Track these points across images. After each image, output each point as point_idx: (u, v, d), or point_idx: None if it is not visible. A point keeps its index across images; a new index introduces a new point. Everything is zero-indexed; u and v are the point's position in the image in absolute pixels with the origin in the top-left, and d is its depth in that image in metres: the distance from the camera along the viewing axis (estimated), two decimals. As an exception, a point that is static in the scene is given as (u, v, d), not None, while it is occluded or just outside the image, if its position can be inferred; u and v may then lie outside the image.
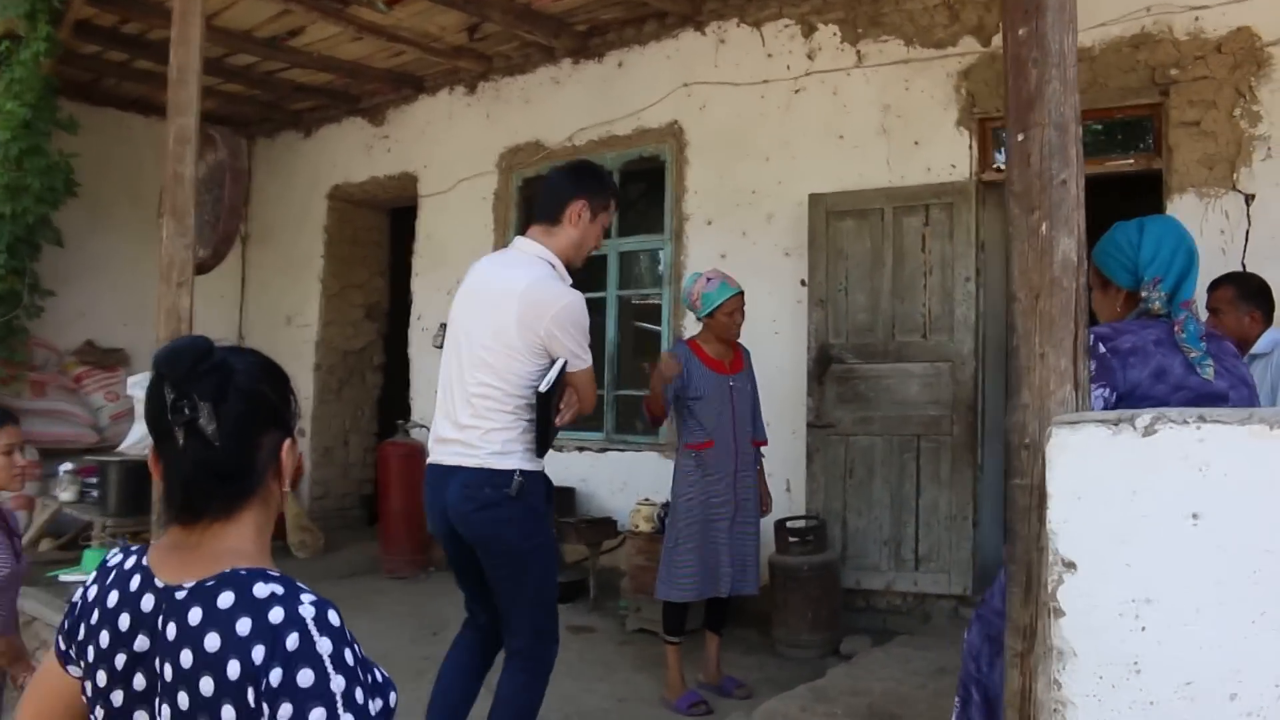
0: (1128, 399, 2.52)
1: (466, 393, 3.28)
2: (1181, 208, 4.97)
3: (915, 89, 5.76)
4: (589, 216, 3.38)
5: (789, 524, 5.51)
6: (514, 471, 3.20)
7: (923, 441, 5.58)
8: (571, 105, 7.03)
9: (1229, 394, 2.59)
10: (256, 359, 1.53)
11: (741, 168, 6.33)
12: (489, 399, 3.22)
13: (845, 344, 5.76)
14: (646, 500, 5.97)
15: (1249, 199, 4.85)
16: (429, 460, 3.42)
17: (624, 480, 6.71)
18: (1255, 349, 4.14)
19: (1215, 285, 4.26)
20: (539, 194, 3.52)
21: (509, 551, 3.24)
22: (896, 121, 5.81)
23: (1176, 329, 2.61)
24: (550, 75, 7.32)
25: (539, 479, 3.33)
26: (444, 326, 7.52)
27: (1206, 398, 2.57)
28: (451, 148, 7.84)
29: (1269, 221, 4.80)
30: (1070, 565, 2.18)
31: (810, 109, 6.12)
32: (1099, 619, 2.15)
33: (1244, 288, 4.18)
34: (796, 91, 6.18)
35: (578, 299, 3.25)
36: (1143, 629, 2.10)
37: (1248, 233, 4.84)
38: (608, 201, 3.44)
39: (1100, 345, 2.63)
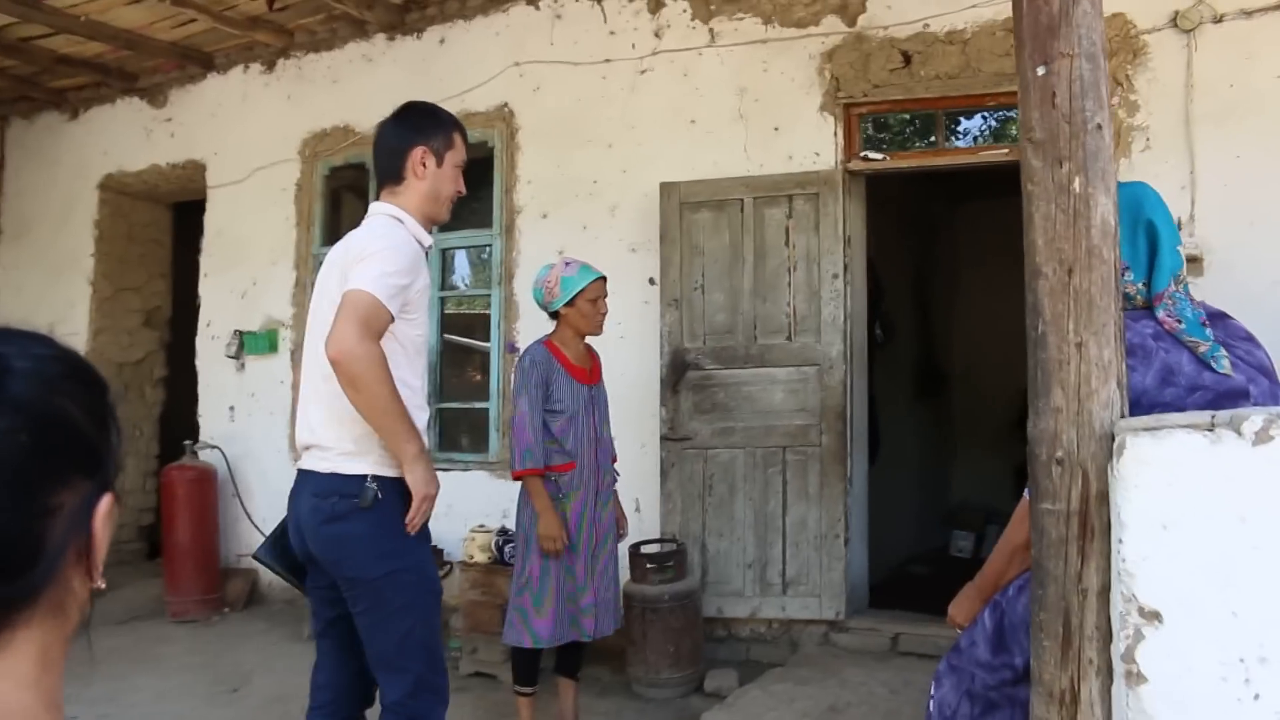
0: (1134, 410, 2.03)
1: (316, 386, 2.69)
2: (1061, 200, 4.68)
3: (774, 71, 5.31)
4: (434, 163, 2.82)
5: (644, 549, 4.92)
6: (365, 476, 2.60)
7: (789, 453, 5.11)
8: (386, 86, 6.22)
9: (1249, 389, 2.15)
10: (52, 352, 0.84)
11: (581, 155, 5.73)
12: (334, 384, 2.58)
13: (702, 348, 5.24)
14: (481, 527, 5.26)
15: (1130, 191, 4.60)
16: (298, 465, 2.84)
17: (448, 503, 5.93)
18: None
19: None
20: (374, 157, 2.88)
21: (360, 579, 2.62)
22: (754, 106, 5.34)
23: (1168, 321, 2.14)
24: (362, 52, 6.50)
25: (399, 487, 2.66)
26: (241, 334, 6.75)
27: (1228, 396, 2.12)
28: (246, 133, 6.87)
29: (1151, 215, 4.56)
30: (1154, 616, 1.66)
31: (658, 92, 5.58)
32: (1195, 686, 1.64)
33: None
34: (643, 72, 5.63)
35: (407, 239, 2.69)
36: (1255, 697, 1.61)
37: (1130, 227, 4.59)
38: (450, 138, 2.87)
39: None
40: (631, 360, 5.40)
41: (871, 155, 5.14)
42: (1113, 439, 1.84)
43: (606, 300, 4.20)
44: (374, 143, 2.89)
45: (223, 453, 6.56)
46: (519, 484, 4.15)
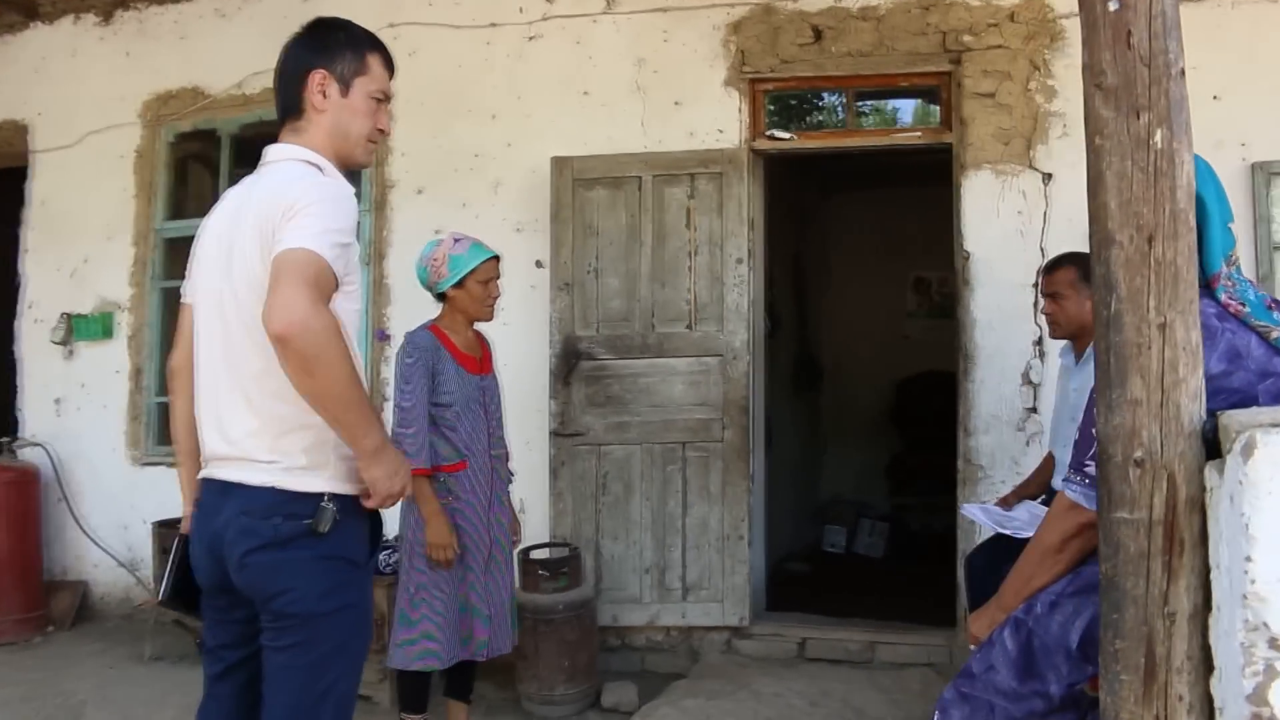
0: None
1: (242, 385, 2.16)
2: (977, 185, 4.53)
3: (676, 42, 4.98)
4: (338, 90, 2.27)
5: (534, 555, 4.53)
6: (320, 495, 2.12)
7: (689, 450, 4.79)
8: (242, 45, 5.60)
9: None
10: None
11: (462, 126, 5.27)
12: (273, 382, 2.09)
13: (596, 336, 4.86)
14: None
15: (1047, 178, 4.47)
16: (201, 474, 2.28)
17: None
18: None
19: (1054, 266, 3.78)
20: (275, 87, 2.35)
21: (299, 615, 2.12)
22: (653, 78, 4.99)
23: (1231, 304, 1.90)
24: (214, 7, 5.84)
25: (360, 511, 2.21)
26: (70, 318, 5.99)
27: None
28: (77, 92, 6.09)
29: (1066, 203, 4.44)
30: (1292, 649, 1.37)
31: (548, 60, 5.17)
32: (1341, 732, 1.37)
33: (1086, 269, 3.71)
34: (531, 39, 5.21)
35: (345, 190, 2.18)
36: None
37: (1045, 214, 4.46)
38: (363, 60, 2.31)
39: None
40: (517, 349, 4.98)
41: (779, 134, 4.87)
42: (1205, 436, 1.57)
43: (499, 282, 3.79)
44: (275, 71, 2.37)
45: (48, 451, 5.81)
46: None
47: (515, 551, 4.12)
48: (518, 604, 4.30)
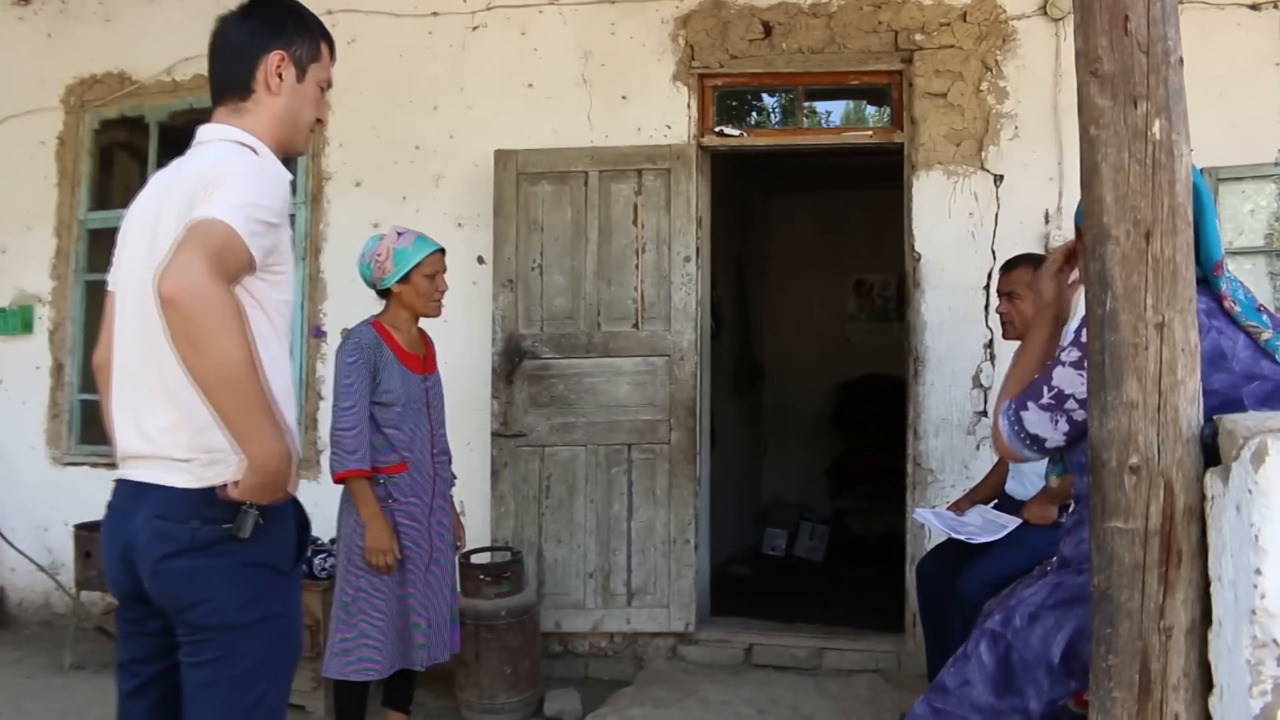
0: None
1: (162, 376, 1.97)
2: (928, 186, 4.48)
3: (623, 35, 4.86)
4: (294, 75, 2.14)
5: (474, 559, 4.38)
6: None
7: (635, 452, 4.68)
8: (171, 29, 5.36)
9: None
10: None
11: (402, 117, 5.10)
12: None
13: (540, 335, 4.73)
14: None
15: (998, 180, 4.44)
16: (116, 476, 2.10)
17: (238, 507, 5.19)
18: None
19: (1011, 265, 3.74)
20: (211, 62, 2.18)
21: (218, 626, 1.96)
22: (600, 71, 4.87)
23: (1226, 301, 1.84)
24: (142, -12, 5.60)
25: (287, 514, 2.06)
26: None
27: None
28: (-9, 74, 5.81)
29: (1017, 205, 4.43)
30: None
31: (492, 50, 5.02)
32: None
33: (1044, 271, 3.68)
34: (475, 28, 5.05)
35: (277, 168, 2.04)
36: None
37: (997, 216, 4.43)
38: (318, 47, 2.20)
39: None
40: (458, 347, 4.83)
41: (728, 131, 4.78)
42: (1204, 441, 1.50)
43: (445, 276, 3.65)
44: (211, 45, 2.19)
45: (-42, 450, 5.53)
46: (332, 487, 3.56)
47: (457, 556, 3.99)
48: (458, 610, 4.17)
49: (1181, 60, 1.57)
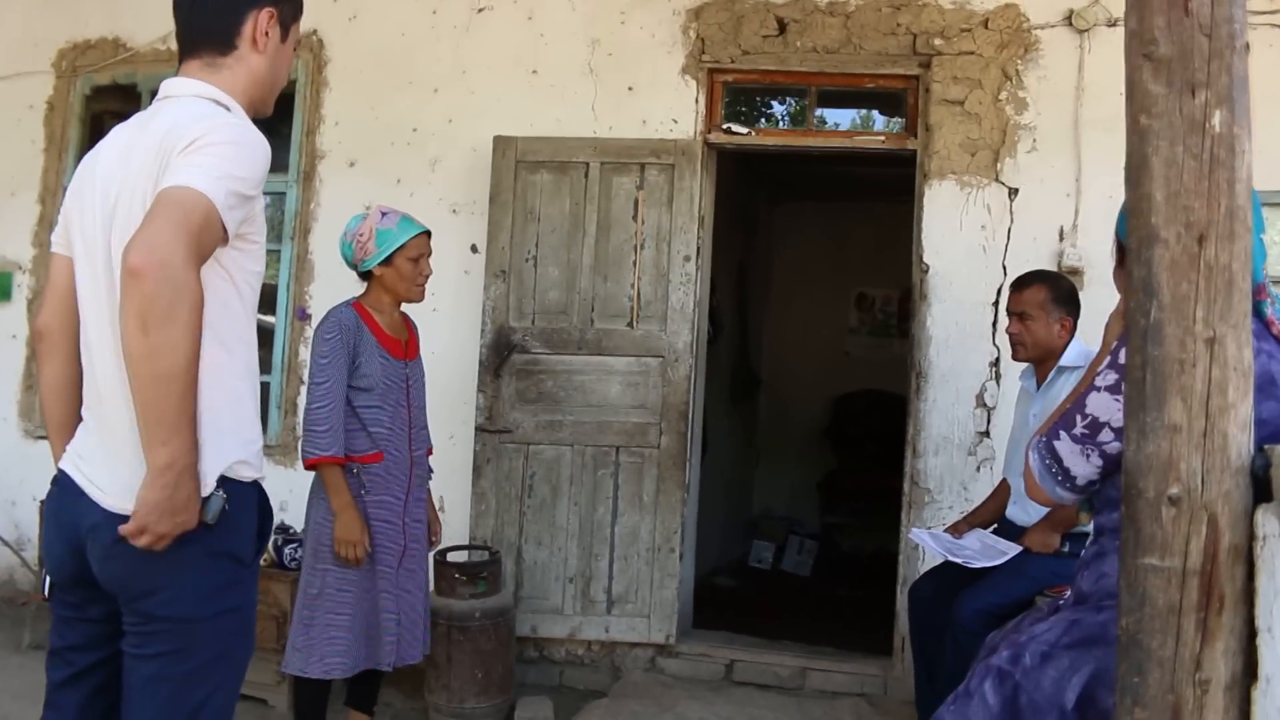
0: None
1: (118, 366, 1.80)
2: (941, 195, 4.33)
3: (633, 25, 4.71)
4: (279, 34, 2.01)
5: (451, 557, 4.21)
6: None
7: (623, 454, 4.52)
8: (168, -5, 5.20)
9: None
10: None
11: (401, 99, 4.93)
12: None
13: (531, 328, 4.56)
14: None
15: (1013, 193, 4.28)
16: (61, 463, 1.94)
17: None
18: (1064, 361, 3.50)
19: (1024, 284, 3.58)
20: (188, 11, 2.01)
21: (172, 620, 1.81)
22: (607, 61, 4.71)
23: (1275, 322, 1.68)
24: (141, -46, 5.43)
25: (251, 500, 1.91)
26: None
27: None
28: (-14, 34, 5.64)
29: (1032, 220, 4.27)
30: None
31: (497, 34, 4.86)
32: None
33: (1057, 290, 3.53)
34: (480, 11, 4.89)
35: (258, 136, 1.87)
36: None
37: (1010, 230, 4.27)
38: (299, 4, 2.11)
39: None
40: (445, 337, 4.67)
41: (736, 128, 4.62)
42: (1255, 473, 1.33)
43: (430, 260, 3.49)
44: None
45: (-72, 421, 5.35)
46: (309, 475, 3.40)
47: (433, 554, 3.83)
48: (431, 609, 4.01)
49: (1248, 47, 1.41)
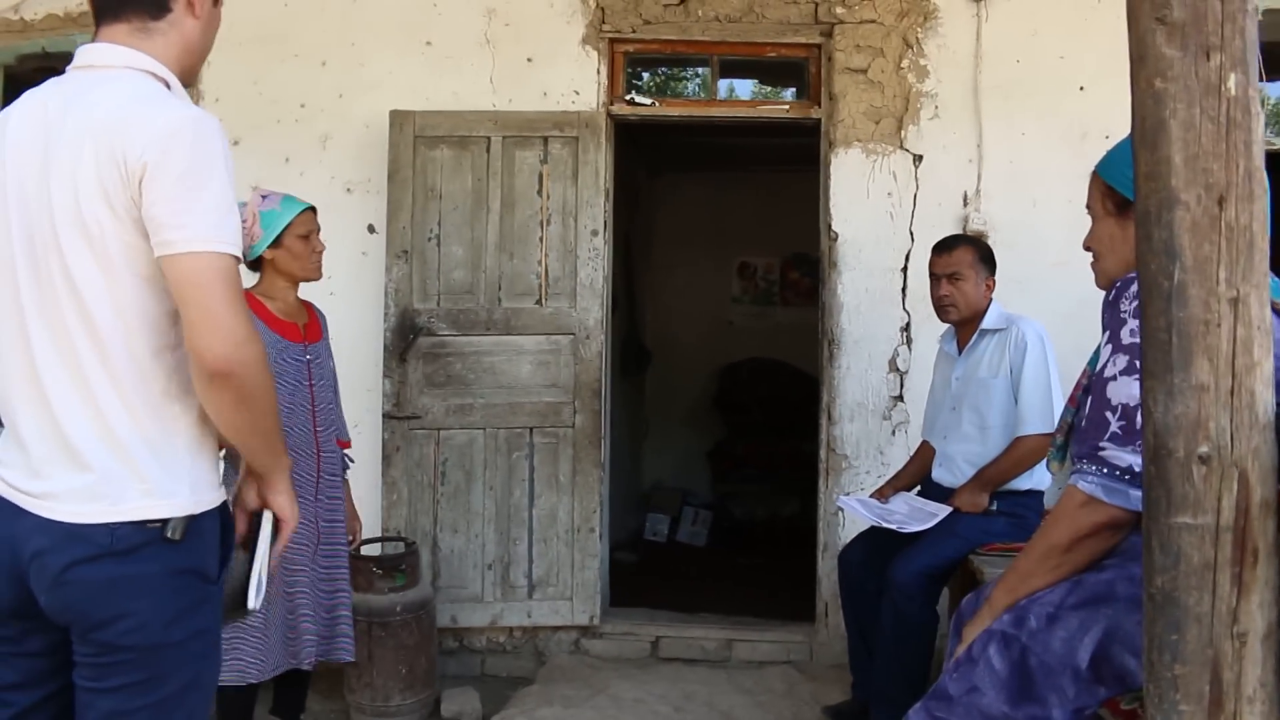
0: None
1: (58, 358, 1.65)
2: (846, 164, 4.36)
3: (530, -7, 4.59)
4: None
5: (365, 550, 4.07)
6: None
7: (537, 435, 4.43)
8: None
9: None
10: None
11: (285, 72, 4.69)
12: (102, 355, 1.62)
13: (436, 310, 4.43)
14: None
15: (918, 160, 4.34)
16: None
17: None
18: (986, 324, 3.56)
19: (950, 245, 3.63)
20: None
21: (137, 649, 1.65)
22: (505, 31, 4.58)
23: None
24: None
25: (214, 511, 1.75)
26: None
27: None
28: None
29: (937, 186, 4.34)
30: None
31: (387, 3, 4.66)
32: None
33: (982, 250, 3.60)
34: (367, -22, 4.69)
35: (211, 121, 1.69)
36: None
37: (916, 196, 4.33)
38: None
39: None
40: (346, 323, 4.44)
41: (639, 99, 4.56)
42: (1283, 430, 1.36)
43: (320, 237, 3.33)
44: None
45: None
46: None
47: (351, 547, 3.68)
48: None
49: (1259, 10, 1.43)
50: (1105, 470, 1.69)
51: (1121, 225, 1.91)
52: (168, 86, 1.74)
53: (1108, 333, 1.73)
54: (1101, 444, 1.70)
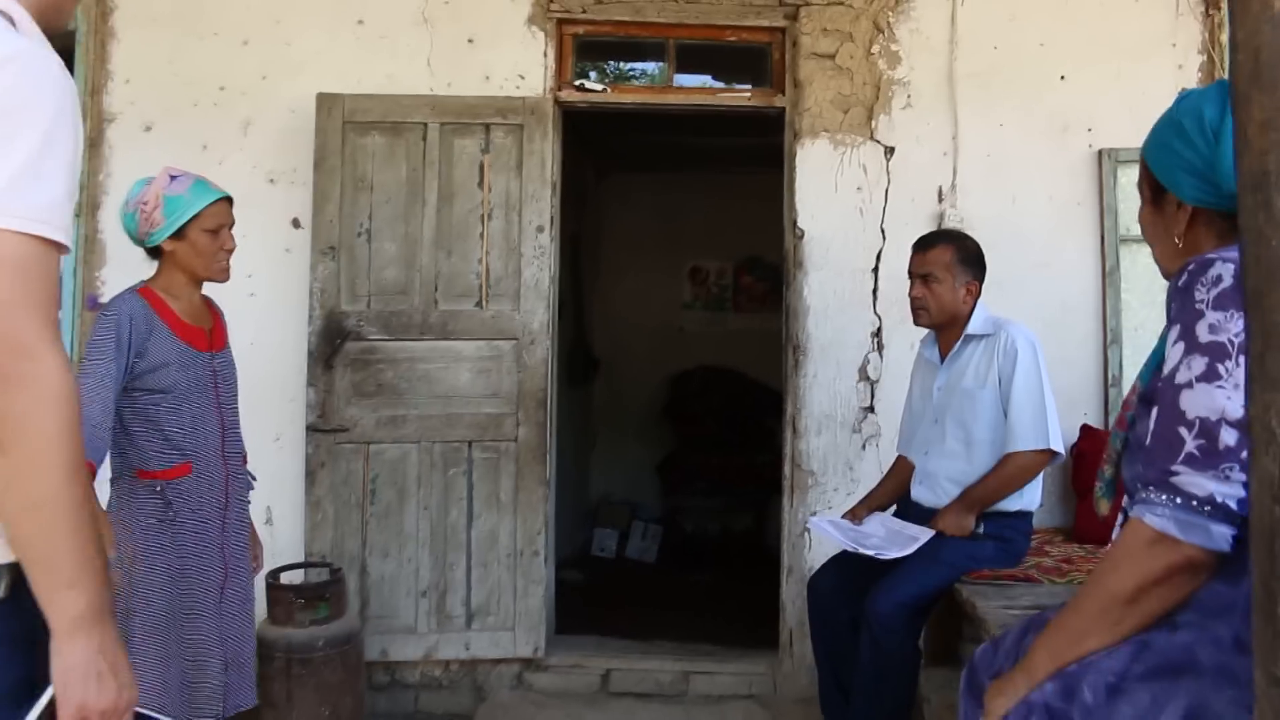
0: None
1: None
2: (813, 156, 4.05)
3: (470, -32, 4.22)
4: None
5: (285, 577, 3.68)
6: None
7: (477, 449, 4.06)
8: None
9: None
10: None
11: (205, 51, 4.28)
12: None
13: (366, 312, 4.04)
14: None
15: (889, 152, 4.04)
16: None
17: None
18: (971, 329, 3.25)
19: (928, 243, 3.31)
20: None
21: None
22: (443, 10, 4.21)
23: None
24: None
25: (10, 606, 1.30)
26: None
27: None
28: None
29: (909, 180, 4.04)
30: None
31: (313, -22, 4.28)
32: None
33: (964, 251, 3.28)
34: (293, -50, 4.29)
35: (53, 62, 1.30)
36: None
37: (888, 191, 4.03)
38: None
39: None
40: (266, 325, 4.09)
41: (589, 85, 4.21)
42: None
43: (233, 233, 2.92)
44: None
45: None
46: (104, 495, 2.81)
47: (257, 577, 3.26)
48: (264, 640, 3.46)
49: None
50: (1179, 500, 1.35)
51: (1153, 213, 1.60)
52: (13, 25, 1.35)
53: (1178, 327, 1.40)
54: (1174, 467, 1.36)
